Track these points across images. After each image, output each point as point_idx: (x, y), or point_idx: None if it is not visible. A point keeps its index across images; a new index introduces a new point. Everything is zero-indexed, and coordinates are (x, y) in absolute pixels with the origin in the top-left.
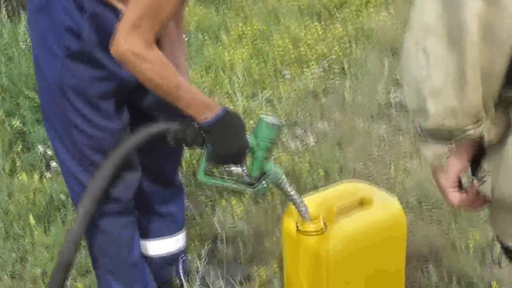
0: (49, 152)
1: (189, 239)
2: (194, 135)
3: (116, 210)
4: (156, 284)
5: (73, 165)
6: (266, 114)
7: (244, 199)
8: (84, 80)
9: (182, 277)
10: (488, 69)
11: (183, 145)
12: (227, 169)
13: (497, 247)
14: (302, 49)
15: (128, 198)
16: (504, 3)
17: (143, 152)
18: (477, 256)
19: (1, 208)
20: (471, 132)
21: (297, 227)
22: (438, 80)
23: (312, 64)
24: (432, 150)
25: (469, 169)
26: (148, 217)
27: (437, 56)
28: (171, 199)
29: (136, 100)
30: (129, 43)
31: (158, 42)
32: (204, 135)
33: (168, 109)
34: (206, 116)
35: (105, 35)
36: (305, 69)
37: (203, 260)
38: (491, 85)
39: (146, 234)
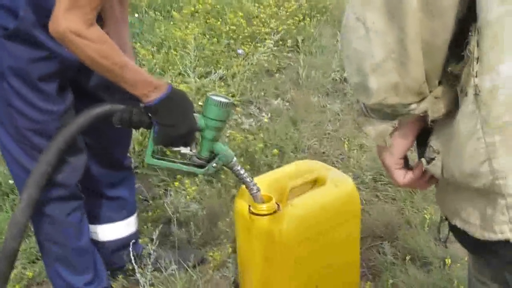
0: None
1: (141, 222)
2: (140, 116)
3: (62, 195)
4: (107, 270)
5: (16, 149)
6: (215, 93)
7: (197, 180)
8: (23, 61)
9: (134, 262)
10: (430, 42)
11: (130, 126)
12: (176, 150)
13: (445, 226)
14: (255, 25)
15: (74, 183)
16: None
17: (90, 134)
18: (432, 233)
19: None
20: (414, 108)
21: (250, 208)
22: (379, 55)
23: (266, 41)
24: (375, 128)
25: (415, 147)
26: (97, 201)
27: (377, 30)
28: (121, 183)
29: (80, 81)
30: (68, 21)
31: (103, 22)
32: (150, 116)
33: (114, 90)
34: (152, 96)
35: (43, 13)
36: (258, 46)
37: (155, 244)
38: (434, 59)
39: (96, 219)
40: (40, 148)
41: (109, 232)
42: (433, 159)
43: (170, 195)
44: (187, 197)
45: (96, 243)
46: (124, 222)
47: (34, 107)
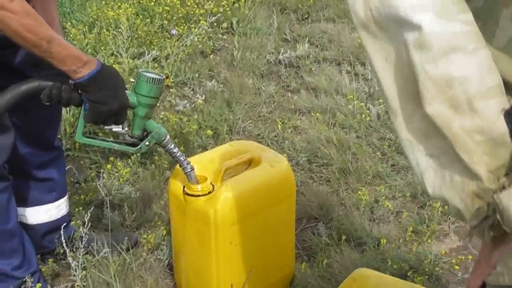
0: None
1: (73, 205)
2: (69, 93)
3: None
4: (37, 254)
5: None
6: (146, 69)
7: (131, 162)
8: None
9: (65, 245)
10: None
11: (59, 104)
12: (107, 129)
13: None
14: (189, 6)
15: (1, 163)
16: None
17: (18, 113)
18: (366, 213)
19: None
20: None
21: (184, 189)
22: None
23: (200, 22)
24: None
25: None
26: (26, 183)
27: None
28: (50, 164)
29: (6, 57)
30: None
31: None
32: (80, 93)
33: (42, 66)
34: (81, 72)
35: None
36: (193, 27)
37: (87, 227)
38: None
39: (25, 201)
40: None
41: (38, 214)
42: None
43: (103, 177)
44: (120, 179)
45: (25, 226)
46: (54, 204)
47: None
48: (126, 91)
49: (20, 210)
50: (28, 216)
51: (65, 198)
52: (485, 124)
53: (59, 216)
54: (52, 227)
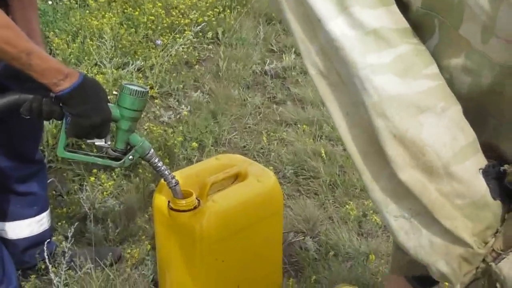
0: None
1: (55, 219)
2: (50, 106)
3: None
4: (18, 270)
5: None
6: (130, 82)
7: (114, 175)
8: None
9: (47, 261)
10: None
11: (40, 118)
12: (90, 143)
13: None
14: (174, 16)
15: None
16: None
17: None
18: (354, 227)
19: None
20: None
21: (169, 204)
22: None
23: (185, 32)
24: None
25: None
26: (6, 197)
27: None
28: (32, 177)
29: None
30: None
31: (8, 7)
32: (62, 106)
33: (23, 78)
34: (62, 85)
35: None
36: (178, 38)
37: (70, 242)
38: None
39: (5, 215)
40: None
41: (19, 229)
42: None
43: (86, 190)
44: (104, 192)
45: (5, 241)
46: (35, 219)
47: None
48: (109, 104)
49: (0, 224)
50: (8, 231)
51: (47, 212)
52: (464, 188)
53: (40, 230)
54: (34, 242)
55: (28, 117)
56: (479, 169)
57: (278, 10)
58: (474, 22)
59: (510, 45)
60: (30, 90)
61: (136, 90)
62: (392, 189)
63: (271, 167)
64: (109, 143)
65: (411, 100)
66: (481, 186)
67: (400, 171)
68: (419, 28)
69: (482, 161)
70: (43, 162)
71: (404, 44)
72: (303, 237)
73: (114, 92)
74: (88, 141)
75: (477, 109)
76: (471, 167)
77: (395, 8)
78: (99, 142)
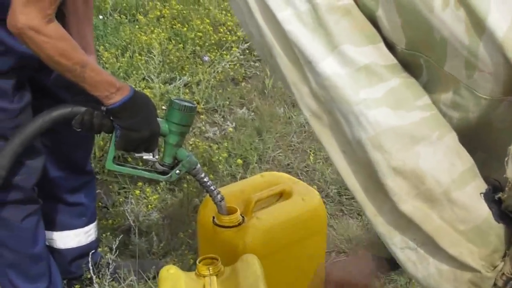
0: None
1: (100, 230)
2: (101, 119)
3: (18, 199)
4: (64, 280)
5: None
6: (179, 97)
7: (159, 189)
8: None
9: (92, 272)
10: None
11: (90, 130)
12: (138, 156)
13: None
14: (222, 33)
15: (30, 186)
16: None
17: (51, 136)
18: None
19: None
20: None
21: (214, 219)
22: None
23: (233, 49)
24: None
25: None
26: (57, 207)
27: None
28: (81, 188)
29: (40, 79)
30: (26, 17)
31: (64, 20)
32: (112, 119)
33: (76, 90)
34: (114, 98)
35: (0, 8)
36: (225, 54)
37: (114, 254)
38: None
39: (54, 225)
40: None
41: (67, 239)
42: None
43: (131, 203)
44: (149, 205)
45: (53, 251)
46: (83, 230)
47: None
48: (158, 119)
49: (49, 234)
50: (57, 240)
51: (94, 223)
52: (466, 213)
53: (87, 241)
54: (80, 253)
55: (79, 129)
56: (480, 193)
57: (269, 55)
58: (457, 58)
59: (493, 77)
60: (81, 102)
61: (185, 106)
62: (395, 221)
63: (315, 186)
64: (156, 157)
65: (406, 131)
66: (483, 210)
67: (401, 202)
68: (407, 67)
69: (482, 186)
70: (93, 173)
71: (395, 78)
72: (345, 257)
73: (163, 107)
74: (136, 154)
75: (466, 144)
76: (471, 192)
77: (383, 46)
78: (147, 156)
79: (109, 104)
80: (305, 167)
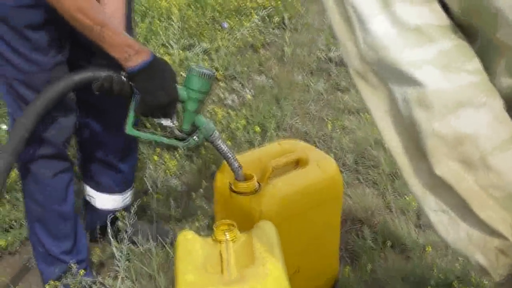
0: None
1: None
2: (121, 84)
3: (48, 154)
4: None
5: (8, 100)
6: (197, 64)
7: (177, 155)
8: (7, 7)
9: (111, 236)
10: None
11: (110, 95)
12: (157, 122)
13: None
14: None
15: (61, 142)
16: None
17: (98, 96)
18: (413, 219)
19: None
20: None
21: (230, 186)
22: None
23: (252, 16)
24: None
25: None
26: (99, 168)
27: None
28: (125, 153)
29: (75, 33)
30: None
31: None
32: (131, 84)
33: (100, 52)
34: (132, 60)
35: None
36: (244, 21)
37: (132, 219)
38: None
39: (98, 185)
40: (26, 100)
41: (106, 201)
42: None
43: (149, 168)
44: (167, 171)
45: (91, 207)
46: (121, 196)
47: (20, 55)
48: (177, 85)
49: (92, 191)
50: (97, 199)
51: (132, 190)
52: (502, 180)
53: (122, 205)
54: (113, 213)
55: (98, 93)
56: None
57: (324, 9)
58: (509, 26)
59: None
60: (103, 66)
61: (204, 73)
62: (430, 183)
63: (332, 154)
64: (175, 122)
65: (453, 94)
66: None
67: (437, 163)
68: (463, 28)
69: None
70: (136, 141)
71: (446, 40)
72: (360, 226)
73: (182, 74)
74: (155, 120)
75: None
76: (509, 158)
77: (437, 6)
78: (165, 122)
79: (127, 66)
80: (323, 135)
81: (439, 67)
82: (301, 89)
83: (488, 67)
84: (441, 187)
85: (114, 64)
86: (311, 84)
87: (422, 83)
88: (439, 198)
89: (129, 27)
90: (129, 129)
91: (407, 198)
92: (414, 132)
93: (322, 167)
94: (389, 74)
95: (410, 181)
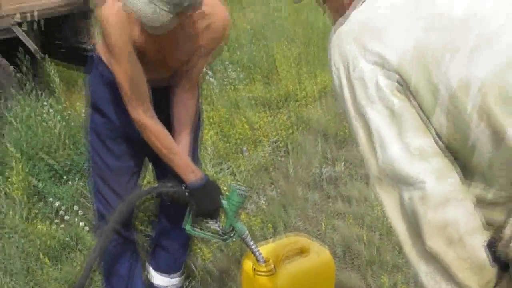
0: (57, 203)
1: None
2: (182, 196)
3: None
4: None
5: (93, 191)
6: (237, 184)
7: (211, 246)
8: (97, 124)
9: None
10: None
11: (172, 201)
12: (205, 223)
13: None
14: (256, 132)
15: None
16: None
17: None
18: None
19: (18, 248)
20: None
21: (253, 268)
22: None
23: (264, 144)
24: None
25: None
26: (163, 252)
27: None
28: (185, 243)
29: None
30: (134, 114)
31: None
32: (188, 194)
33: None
34: (191, 179)
35: (105, 89)
36: (258, 148)
37: None
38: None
39: (159, 267)
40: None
41: (161, 282)
42: None
43: (190, 255)
44: (203, 258)
45: (149, 284)
46: (174, 278)
47: (101, 158)
48: (221, 196)
49: (152, 271)
50: (155, 278)
51: (181, 271)
52: (472, 254)
53: (170, 285)
54: None
55: (168, 202)
56: (484, 241)
57: (350, 126)
58: (482, 158)
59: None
60: (172, 185)
61: (242, 193)
62: (423, 254)
63: (326, 246)
64: (219, 223)
65: (442, 194)
66: (484, 255)
67: (429, 239)
68: (454, 152)
69: (486, 239)
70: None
71: (439, 159)
72: None
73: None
74: (205, 220)
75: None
76: (478, 241)
77: (432, 140)
78: (212, 224)
79: (189, 182)
80: (319, 233)
81: (435, 177)
82: (301, 199)
83: (465, 177)
84: (431, 257)
85: (178, 180)
86: (309, 195)
87: (424, 187)
88: (429, 264)
89: (196, 158)
90: (188, 227)
91: (383, 279)
92: (414, 220)
93: (319, 255)
94: (400, 182)
95: (409, 254)
